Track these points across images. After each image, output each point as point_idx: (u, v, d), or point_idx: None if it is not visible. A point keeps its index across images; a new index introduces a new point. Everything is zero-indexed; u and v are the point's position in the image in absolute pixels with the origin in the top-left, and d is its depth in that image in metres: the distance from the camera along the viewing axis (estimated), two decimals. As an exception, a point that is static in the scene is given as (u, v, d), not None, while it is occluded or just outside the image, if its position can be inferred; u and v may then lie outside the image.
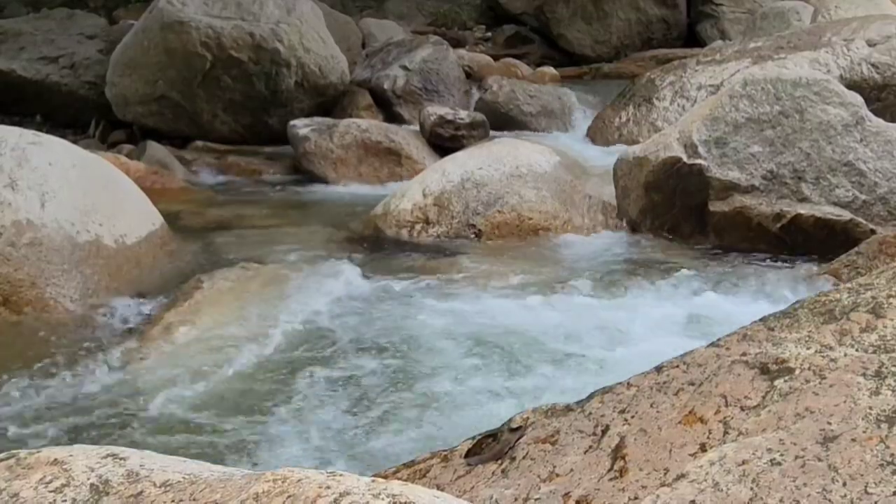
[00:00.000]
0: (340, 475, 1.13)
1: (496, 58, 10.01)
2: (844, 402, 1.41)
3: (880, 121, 4.59)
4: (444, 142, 6.69)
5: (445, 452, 1.73)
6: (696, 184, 4.58)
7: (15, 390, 3.08)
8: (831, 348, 1.55)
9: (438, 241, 4.82)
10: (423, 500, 1.06)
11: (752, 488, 1.29)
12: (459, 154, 5.47)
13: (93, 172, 4.30)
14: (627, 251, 4.59)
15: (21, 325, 3.60)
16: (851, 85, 5.83)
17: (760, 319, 1.72)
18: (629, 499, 1.38)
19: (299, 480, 1.12)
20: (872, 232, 4.20)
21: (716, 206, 4.54)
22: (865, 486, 1.25)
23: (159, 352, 3.38)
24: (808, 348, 1.56)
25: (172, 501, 1.19)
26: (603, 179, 5.35)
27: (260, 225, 5.37)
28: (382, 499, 1.05)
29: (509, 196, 4.92)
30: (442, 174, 5.10)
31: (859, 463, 1.29)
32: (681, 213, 4.69)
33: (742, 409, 1.47)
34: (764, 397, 1.48)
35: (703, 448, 1.42)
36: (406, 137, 6.73)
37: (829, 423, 1.38)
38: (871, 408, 1.38)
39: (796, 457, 1.33)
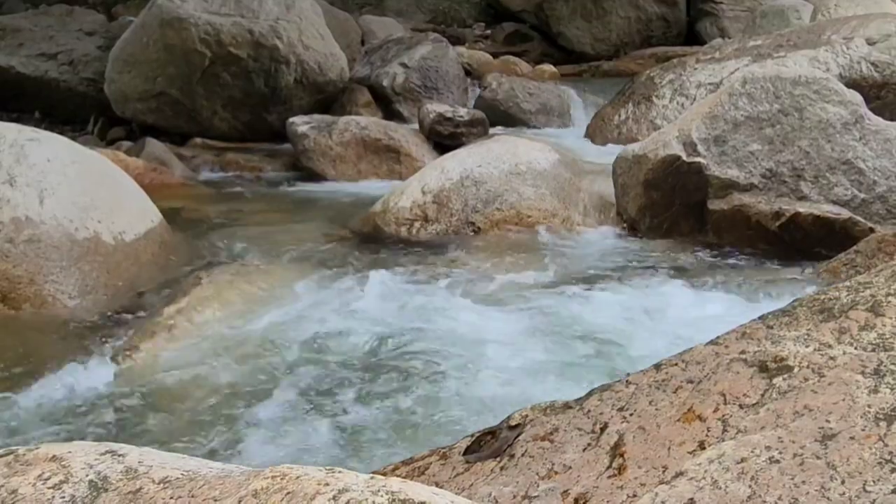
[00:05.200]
0: (339, 472, 1.13)
1: (495, 55, 10.02)
2: (843, 400, 1.41)
3: (879, 119, 4.59)
4: (443, 139, 6.69)
5: (444, 450, 1.73)
6: (695, 182, 4.58)
7: (13, 387, 3.07)
8: (830, 346, 1.55)
9: (437, 238, 4.81)
10: (422, 497, 1.06)
11: (750, 486, 1.29)
12: (459, 151, 5.46)
13: (91, 169, 4.30)
14: (626, 249, 4.59)
15: (19, 322, 3.60)
16: (851, 83, 5.83)
17: (759, 317, 1.72)
18: (628, 496, 1.38)
19: (298, 477, 1.12)
20: (871, 230, 4.19)
21: (715, 205, 4.54)
22: (864, 484, 1.25)
23: (158, 348, 3.38)
24: (806, 346, 1.56)
25: (171, 498, 1.19)
26: (602, 177, 5.34)
27: (259, 222, 5.37)
28: (381, 496, 1.05)
29: (508, 194, 4.92)
30: (441, 172, 5.10)
31: (858, 461, 1.29)
32: (680, 212, 4.69)
33: (741, 406, 1.47)
34: (763, 395, 1.48)
35: (701, 446, 1.42)
36: (405, 135, 6.73)
37: (828, 421, 1.38)
38: (869, 406, 1.38)
39: (795, 455, 1.33)
